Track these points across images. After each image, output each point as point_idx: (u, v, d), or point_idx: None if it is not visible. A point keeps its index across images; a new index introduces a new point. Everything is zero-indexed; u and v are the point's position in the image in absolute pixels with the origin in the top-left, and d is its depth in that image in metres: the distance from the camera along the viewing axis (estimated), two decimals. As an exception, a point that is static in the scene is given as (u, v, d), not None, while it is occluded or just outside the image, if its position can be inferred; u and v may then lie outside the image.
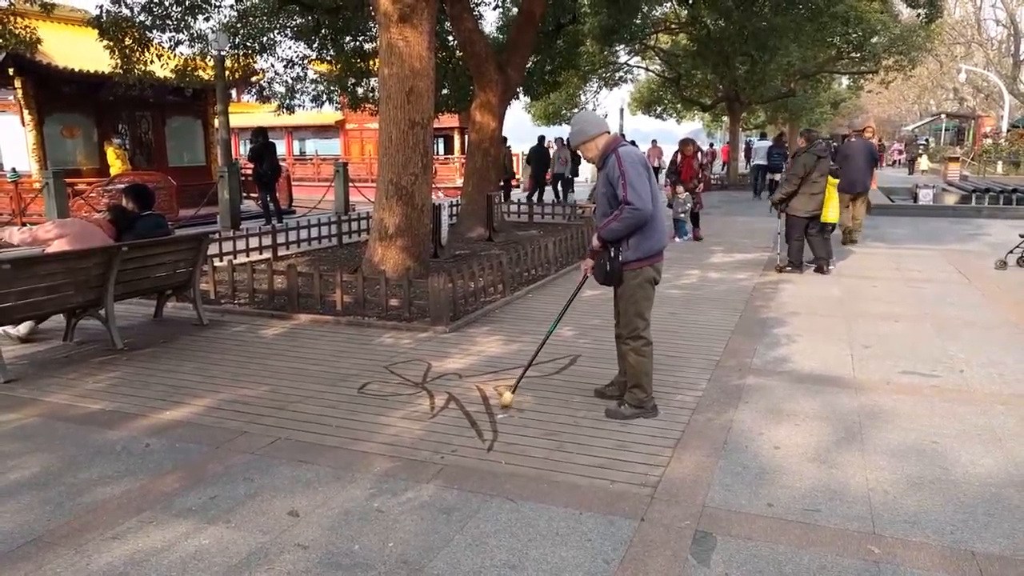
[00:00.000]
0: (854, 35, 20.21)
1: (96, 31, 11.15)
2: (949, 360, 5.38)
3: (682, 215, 11.70)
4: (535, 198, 18.09)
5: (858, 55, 23.17)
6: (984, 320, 6.56)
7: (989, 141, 32.60)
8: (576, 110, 31.22)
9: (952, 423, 4.18)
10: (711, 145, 39.39)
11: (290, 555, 2.87)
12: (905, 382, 4.90)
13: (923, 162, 32.89)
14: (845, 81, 34.45)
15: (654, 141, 25.68)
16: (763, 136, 26.69)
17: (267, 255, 9.61)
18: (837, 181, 9.16)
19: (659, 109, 32.97)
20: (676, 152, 11.85)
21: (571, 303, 4.67)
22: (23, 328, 5.90)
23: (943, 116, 43.60)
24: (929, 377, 4.99)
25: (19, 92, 14.28)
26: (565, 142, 18.61)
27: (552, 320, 4.74)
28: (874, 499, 3.29)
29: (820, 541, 2.95)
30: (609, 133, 4.20)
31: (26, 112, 14.48)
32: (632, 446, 3.86)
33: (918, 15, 15.02)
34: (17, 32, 10.54)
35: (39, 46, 11.43)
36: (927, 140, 40.75)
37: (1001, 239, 11.67)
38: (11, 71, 13.85)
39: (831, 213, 9.05)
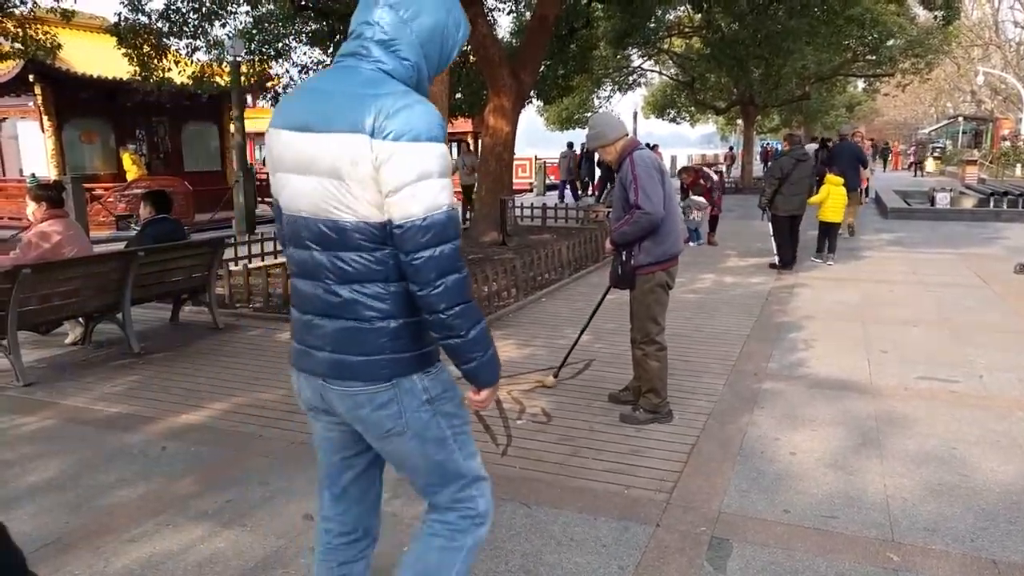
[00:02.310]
0: (870, 38, 20.07)
1: (114, 38, 11.28)
2: (968, 365, 5.32)
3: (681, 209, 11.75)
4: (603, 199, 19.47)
5: (874, 58, 23.02)
6: (1003, 325, 6.48)
7: (1007, 144, 32.27)
8: (589, 114, 31.21)
9: (971, 429, 4.13)
10: (731, 149, 39.27)
11: (305, 559, 2.87)
12: (923, 387, 4.85)
13: (929, 164, 33.87)
14: (860, 84, 34.28)
15: (655, 146, 25.58)
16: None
17: (282, 259, 9.66)
18: (841, 180, 9.89)
19: (673, 113, 32.92)
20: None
21: (601, 303, 4.63)
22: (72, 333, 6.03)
23: (960, 119, 43.22)
24: (947, 382, 4.94)
25: (39, 98, 14.46)
26: (470, 147, 18.42)
27: (584, 321, 4.71)
28: (892, 506, 3.26)
29: (838, 548, 2.92)
30: (628, 136, 4.15)
31: (45, 118, 14.66)
32: (647, 451, 3.85)
33: (935, 17, 14.90)
34: (38, 38, 10.67)
35: (58, 52, 11.54)
36: (943, 143, 40.45)
37: (1020, 243, 11.56)
38: (31, 77, 14.02)
39: (830, 213, 9.79)
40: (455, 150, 24.21)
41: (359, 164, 1.63)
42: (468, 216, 13.35)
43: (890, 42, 21.49)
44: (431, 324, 1.75)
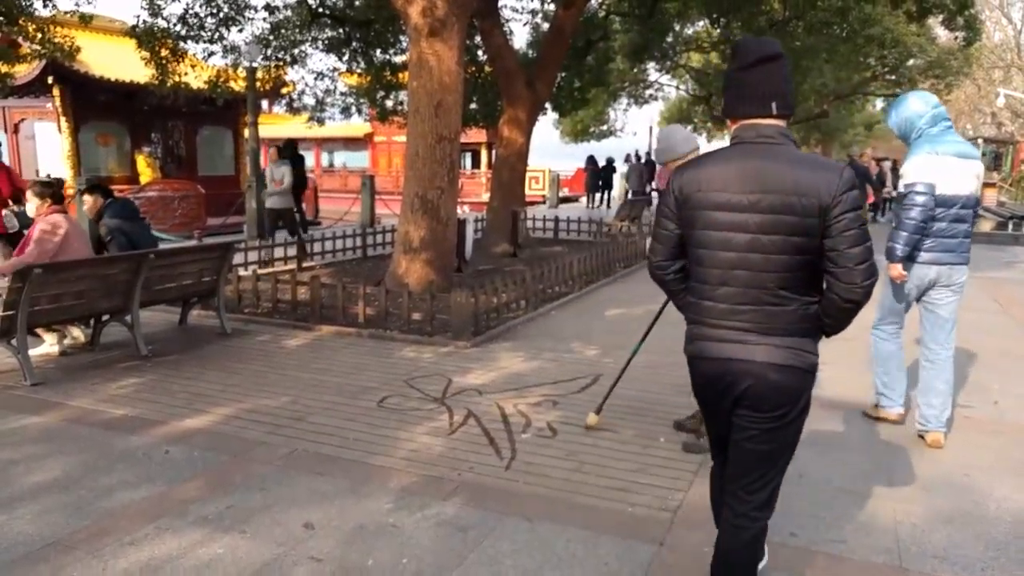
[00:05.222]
0: (890, 57, 19.95)
1: (133, 41, 11.38)
2: (983, 391, 5.24)
3: None
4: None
5: (893, 77, 22.89)
6: (1020, 350, 6.39)
7: (1027, 167, 32.00)
8: (604, 127, 31.21)
9: (985, 455, 4.06)
10: None
11: (304, 567, 2.85)
12: (936, 411, 4.77)
13: None
14: (879, 103, 34.13)
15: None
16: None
17: (292, 266, 9.68)
18: None
19: (689, 127, 32.87)
20: None
21: (658, 319, 4.49)
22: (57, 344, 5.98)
23: (980, 140, 42.90)
24: (962, 407, 4.86)
25: (56, 100, 14.59)
26: (283, 155, 12.61)
27: (637, 340, 4.59)
28: (902, 532, 3.19)
29: (845, 573, 2.87)
30: (699, 149, 3.99)
31: (63, 119, 14.78)
32: (653, 469, 3.80)
33: (956, 38, 14.79)
34: (56, 41, 10.77)
35: (77, 55, 11.64)
36: None
37: (1037, 266, 11.42)
38: (50, 79, 14.16)
39: None
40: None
41: (980, 172, 4.04)
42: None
43: (910, 62, 21.36)
44: None
